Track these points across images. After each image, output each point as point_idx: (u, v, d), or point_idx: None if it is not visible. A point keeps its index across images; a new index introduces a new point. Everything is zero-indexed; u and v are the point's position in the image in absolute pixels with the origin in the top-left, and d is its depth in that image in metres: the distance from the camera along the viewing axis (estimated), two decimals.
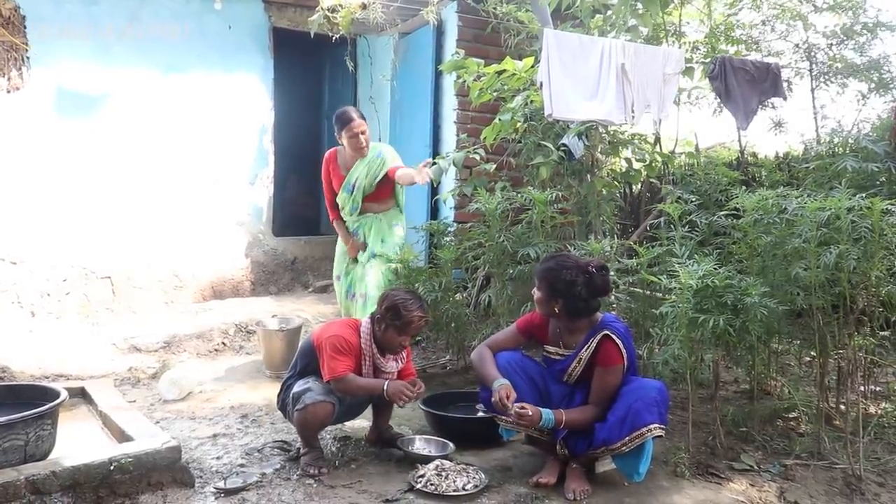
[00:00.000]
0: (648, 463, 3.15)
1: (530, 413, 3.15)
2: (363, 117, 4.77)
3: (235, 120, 6.92)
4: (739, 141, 7.01)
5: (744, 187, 4.15)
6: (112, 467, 3.01)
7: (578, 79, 4.21)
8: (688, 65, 4.95)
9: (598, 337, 3.25)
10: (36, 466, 2.91)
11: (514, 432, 3.44)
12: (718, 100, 5.39)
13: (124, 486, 3.04)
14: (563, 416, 3.20)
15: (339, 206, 4.97)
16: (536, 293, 3.34)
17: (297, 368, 3.59)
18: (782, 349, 4.45)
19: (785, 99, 5.44)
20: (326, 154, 5.00)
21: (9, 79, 5.71)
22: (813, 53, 6.41)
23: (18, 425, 2.91)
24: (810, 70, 6.43)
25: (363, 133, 4.69)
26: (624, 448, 3.11)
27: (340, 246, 5.05)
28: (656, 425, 3.09)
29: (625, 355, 3.23)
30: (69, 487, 2.90)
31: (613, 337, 3.23)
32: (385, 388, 3.40)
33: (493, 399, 3.22)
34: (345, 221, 5.03)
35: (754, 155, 7.33)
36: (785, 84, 5.60)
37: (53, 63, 5.91)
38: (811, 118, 6.36)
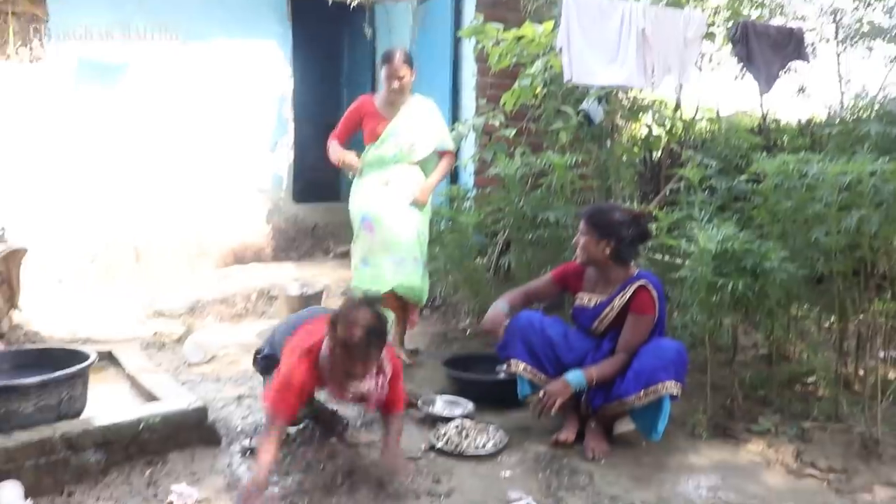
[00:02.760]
0: (666, 422, 3.20)
1: (557, 393, 3.23)
2: (409, 64, 4.45)
3: (255, 88, 6.94)
4: (761, 106, 6.95)
5: (765, 152, 4.14)
6: (141, 426, 3.09)
7: (598, 43, 4.19)
8: (709, 29, 4.91)
9: (635, 285, 3.33)
10: (69, 424, 3.00)
11: (529, 391, 3.48)
12: (741, 64, 5.34)
13: (153, 444, 3.13)
14: (593, 375, 3.25)
15: (371, 157, 4.55)
16: (583, 238, 3.36)
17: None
18: (801, 314, 4.45)
19: (808, 62, 5.38)
20: (361, 97, 4.72)
21: (31, 49, 5.75)
22: (838, 17, 6.32)
23: (51, 385, 2.99)
24: (836, 34, 6.34)
25: (400, 78, 4.41)
26: (637, 402, 3.17)
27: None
28: (672, 383, 3.13)
29: (657, 307, 3.31)
30: (101, 445, 2.99)
31: (649, 287, 3.31)
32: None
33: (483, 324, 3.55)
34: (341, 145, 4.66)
35: (776, 121, 7.25)
36: (809, 48, 5.53)
37: (73, 33, 5.93)
38: (836, 83, 6.29)
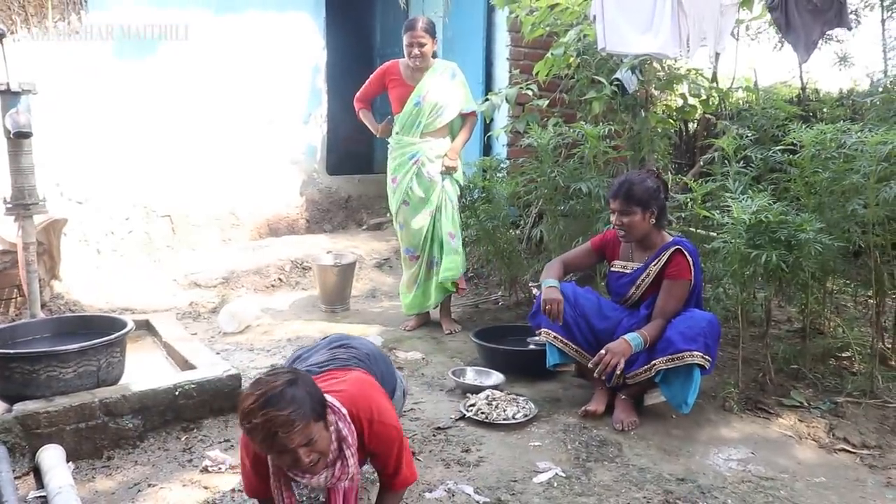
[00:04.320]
0: (696, 394, 3.19)
1: (620, 352, 3.20)
2: (430, 33, 4.51)
3: (289, 60, 6.95)
4: (801, 77, 6.80)
5: (802, 122, 4.06)
6: (177, 393, 3.17)
7: (632, 11, 4.12)
8: None
9: (671, 250, 3.34)
10: (108, 390, 3.08)
11: (558, 360, 3.48)
12: (779, 33, 5.22)
13: (188, 410, 3.20)
14: (647, 336, 3.25)
15: (398, 125, 4.68)
16: (627, 218, 3.34)
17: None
18: (837, 288, 4.39)
19: (849, 29, 5.24)
20: (388, 62, 4.77)
21: (69, 23, 5.81)
22: None
23: (91, 352, 3.06)
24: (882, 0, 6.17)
25: (421, 46, 4.46)
26: (662, 365, 3.17)
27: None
28: (699, 354, 3.12)
29: (692, 273, 3.31)
30: (138, 410, 3.07)
31: (685, 252, 3.32)
32: None
33: (543, 307, 3.35)
34: (371, 112, 4.86)
35: (816, 91, 7.11)
36: (852, 16, 5.38)
37: (110, 5, 5.99)
38: (880, 52, 6.13)
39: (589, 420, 3.34)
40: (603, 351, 3.22)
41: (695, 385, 3.17)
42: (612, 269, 3.57)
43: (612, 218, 3.41)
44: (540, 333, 3.47)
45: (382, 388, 2.54)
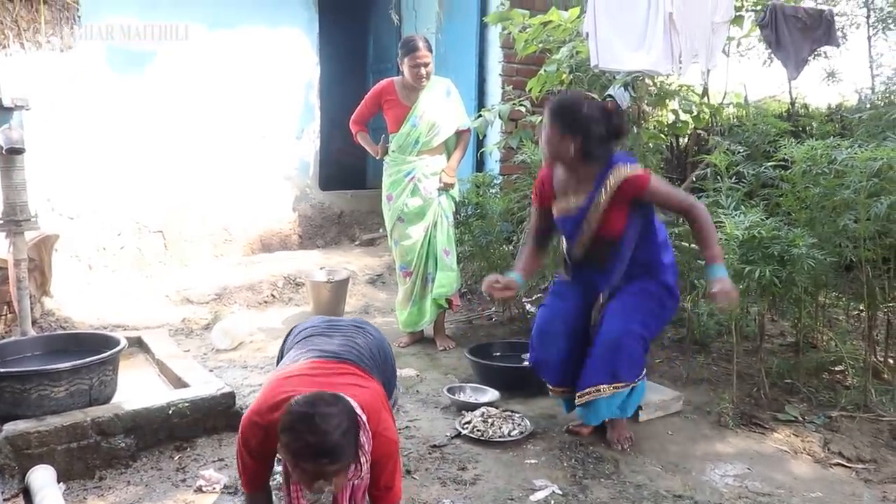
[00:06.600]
0: (635, 402, 3.26)
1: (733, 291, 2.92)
2: (430, 49, 4.52)
3: (282, 75, 6.96)
4: (790, 92, 6.85)
5: (793, 138, 4.09)
6: (170, 411, 3.15)
7: (625, 28, 4.14)
8: (737, 13, 4.83)
9: (612, 174, 3.00)
10: (100, 409, 3.06)
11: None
12: (769, 50, 5.26)
13: (182, 429, 3.18)
14: (719, 252, 2.98)
15: (395, 145, 4.65)
16: (547, 132, 3.01)
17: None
18: (829, 302, 4.41)
19: (838, 47, 5.30)
20: (382, 82, 4.73)
21: (62, 38, 5.81)
22: (871, 0, 6.22)
23: (83, 370, 3.04)
24: (867, 18, 6.24)
25: (426, 66, 4.45)
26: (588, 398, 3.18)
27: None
28: (606, 386, 3.13)
29: (648, 173, 3.05)
30: (131, 430, 3.05)
31: (626, 164, 3.04)
32: None
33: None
34: (368, 133, 4.82)
35: (805, 107, 7.16)
36: (839, 33, 5.44)
37: (103, 20, 5.98)
38: (867, 68, 6.20)
39: (581, 436, 3.33)
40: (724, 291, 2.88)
41: (621, 398, 3.18)
42: (555, 214, 3.22)
43: None
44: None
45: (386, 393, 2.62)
